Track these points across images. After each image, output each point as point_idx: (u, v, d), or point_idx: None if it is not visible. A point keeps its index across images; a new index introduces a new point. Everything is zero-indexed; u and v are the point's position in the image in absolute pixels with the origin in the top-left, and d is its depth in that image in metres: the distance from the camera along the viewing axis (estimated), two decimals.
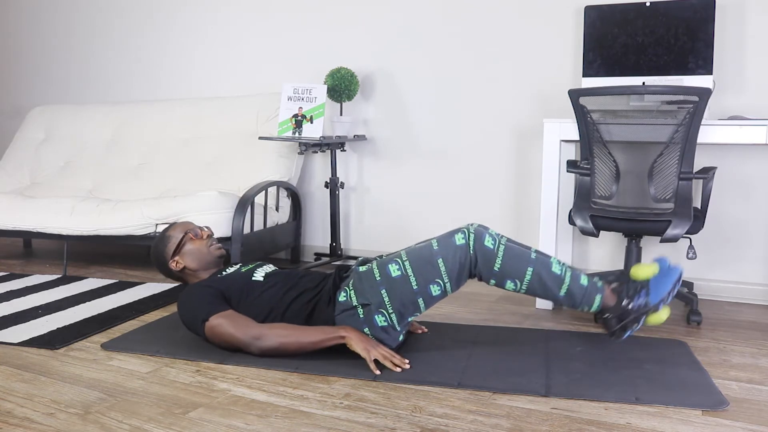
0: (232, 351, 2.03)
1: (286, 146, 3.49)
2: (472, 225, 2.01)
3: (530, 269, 1.93)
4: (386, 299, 1.96)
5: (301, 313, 2.05)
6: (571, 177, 3.02)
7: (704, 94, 2.31)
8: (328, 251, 3.64)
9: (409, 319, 2.02)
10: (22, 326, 2.35)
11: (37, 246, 4.17)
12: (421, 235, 3.49)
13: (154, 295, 2.83)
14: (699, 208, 2.57)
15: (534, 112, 3.21)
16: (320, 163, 3.73)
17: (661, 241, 2.45)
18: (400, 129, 3.51)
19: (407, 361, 1.94)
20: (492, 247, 1.94)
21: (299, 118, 3.20)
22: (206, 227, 2.33)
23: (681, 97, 2.42)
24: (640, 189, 2.67)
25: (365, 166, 3.61)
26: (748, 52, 2.82)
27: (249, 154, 3.56)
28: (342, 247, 3.65)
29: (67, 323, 2.39)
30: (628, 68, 2.79)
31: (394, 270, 1.97)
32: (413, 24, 3.43)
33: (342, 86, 3.31)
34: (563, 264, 1.98)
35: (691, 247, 2.63)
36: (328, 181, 3.44)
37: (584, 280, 1.95)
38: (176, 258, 2.23)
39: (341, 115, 3.44)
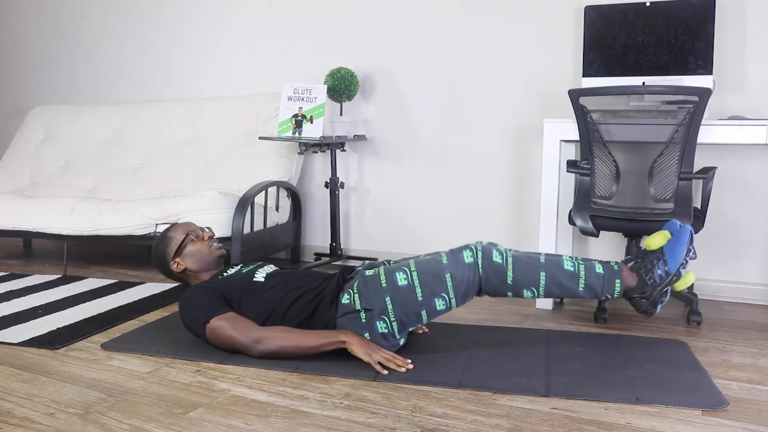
0: (233, 352, 2.03)
1: (286, 146, 3.49)
2: (480, 243, 2.01)
3: (543, 273, 1.93)
4: (389, 307, 1.96)
5: (302, 314, 2.05)
6: (571, 177, 3.02)
7: (704, 94, 2.31)
8: (328, 251, 3.64)
9: (410, 329, 2.02)
10: (22, 326, 2.35)
11: (37, 246, 4.17)
12: (420, 235, 3.49)
13: (154, 295, 2.83)
14: (699, 208, 2.57)
15: (534, 112, 3.21)
16: (320, 163, 3.73)
17: None
18: (400, 129, 3.51)
19: (409, 361, 1.94)
20: (501, 261, 1.94)
21: (299, 118, 3.20)
22: (207, 228, 2.33)
23: (681, 97, 2.42)
24: (640, 189, 2.67)
25: (365, 166, 3.61)
26: (748, 52, 2.82)
27: (249, 154, 3.56)
28: (342, 247, 3.65)
29: (67, 323, 2.39)
30: (628, 68, 2.79)
31: (400, 279, 1.96)
32: (413, 24, 3.43)
33: (342, 86, 3.31)
34: (575, 259, 1.97)
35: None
36: (328, 181, 3.44)
37: (599, 268, 1.94)
38: (177, 259, 2.23)
39: (341, 115, 3.44)
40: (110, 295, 2.83)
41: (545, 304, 2.71)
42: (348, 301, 2.00)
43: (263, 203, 3.28)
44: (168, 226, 2.33)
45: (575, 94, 2.47)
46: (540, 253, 2.00)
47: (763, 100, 2.81)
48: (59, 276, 3.20)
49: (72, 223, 3.21)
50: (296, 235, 3.62)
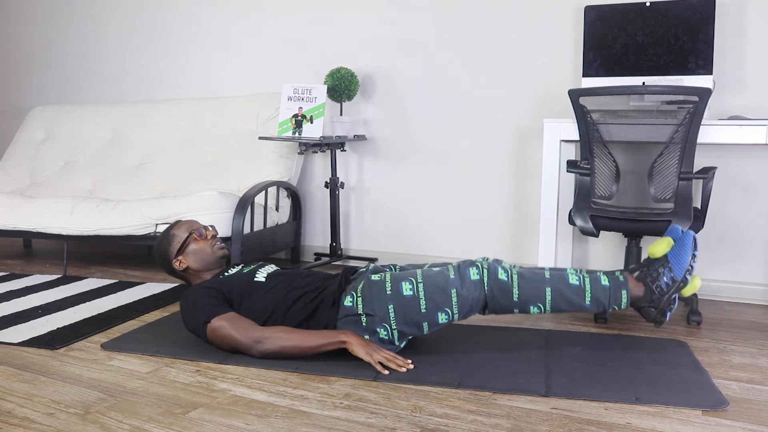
0: (233, 352, 2.03)
1: (286, 146, 3.49)
2: (486, 260, 2.01)
3: (549, 289, 1.93)
4: (392, 315, 1.96)
5: (302, 314, 2.05)
6: (571, 177, 3.02)
7: (704, 94, 2.31)
8: (328, 251, 3.64)
9: (410, 337, 2.02)
10: (22, 326, 2.35)
11: (37, 246, 4.17)
12: (420, 235, 3.49)
13: (154, 295, 2.83)
14: (699, 208, 2.57)
15: (534, 112, 3.21)
16: (320, 163, 3.73)
17: None
18: (400, 129, 3.51)
19: (410, 361, 1.94)
20: (506, 278, 1.94)
21: (299, 118, 3.20)
22: (211, 226, 2.32)
23: (681, 97, 2.42)
24: (640, 189, 2.67)
25: (365, 166, 3.61)
26: (748, 52, 2.82)
27: (249, 154, 3.56)
28: (342, 247, 3.65)
29: (67, 323, 2.39)
30: (628, 68, 2.79)
31: (406, 288, 1.96)
32: (413, 24, 3.43)
33: (342, 86, 3.31)
34: (580, 272, 1.97)
35: None
36: (328, 181, 3.44)
37: (605, 280, 1.94)
38: (180, 257, 2.23)
39: (341, 115, 3.44)
40: (110, 295, 2.83)
41: None
42: (350, 304, 2.00)
43: (263, 203, 3.28)
44: (172, 223, 2.32)
45: (575, 94, 2.47)
46: (544, 269, 2.00)
47: (763, 100, 2.81)
48: (59, 276, 3.20)
49: (72, 223, 3.21)
50: (296, 235, 3.62)
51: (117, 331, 2.33)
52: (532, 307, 1.94)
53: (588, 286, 1.93)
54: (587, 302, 1.92)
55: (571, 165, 2.65)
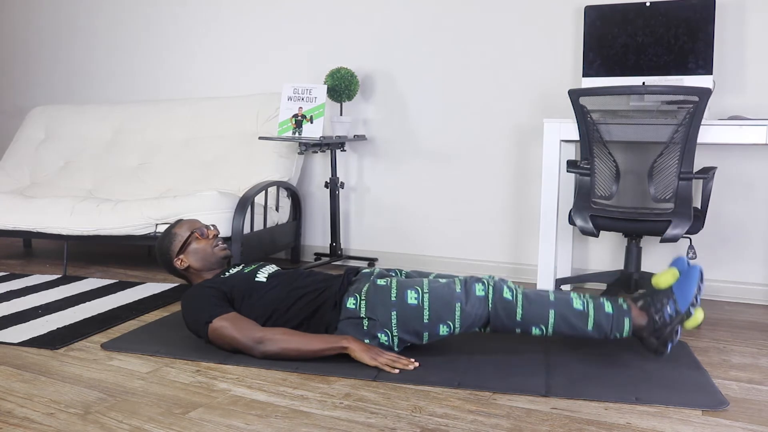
0: (234, 353, 2.03)
1: (286, 146, 3.49)
2: (492, 278, 2.01)
3: (552, 311, 1.93)
4: (394, 321, 1.96)
5: (302, 313, 2.05)
6: (571, 177, 3.02)
7: (704, 94, 2.31)
8: (328, 251, 3.64)
9: (408, 344, 2.03)
10: (22, 326, 2.35)
11: (37, 246, 4.17)
12: (420, 235, 3.49)
13: (154, 295, 2.83)
14: (699, 208, 2.57)
15: (534, 112, 3.21)
16: (320, 163, 3.73)
17: (661, 241, 2.45)
18: (400, 129, 3.51)
19: (413, 359, 1.94)
20: (511, 297, 1.94)
21: (299, 118, 3.20)
22: (212, 226, 2.32)
23: (681, 97, 2.42)
24: (640, 189, 2.67)
25: (365, 166, 3.61)
26: (748, 52, 2.82)
27: (249, 154, 3.56)
28: (342, 247, 3.65)
29: (67, 323, 2.39)
30: (628, 68, 2.79)
31: (411, 297, 1.96)
32: (413, 24, 3.43)
33: (342, 86, 3.31)
34: (584, 297, 1.97)
35: (691, 247, 2.63)
36: (328, 181, 3.44)
37: (609, 308, 1.93)
38: (181, 256, 2.23)
39: (341, 115, 3.44)
40: (110, 295, 2.83)
41: None
42: (353, 306, 2.00)
43: (263, 203, 3.28)
44: (174, 221, 2.32)
45: (575, 94, 2.47)
46: (549, 291, 2.00)
47: (763, 100, 2.81)
48: (59, 276, 3.20)
49: (72, 223, 3.21)
50: (296, 235, 3.62)
51: (117, 331, 2.33)
52: (534, 328, 1.95)
53: (591, 312, 1.93)
54: (590, 328, 1.92)
55: (571, 165, 2.65)
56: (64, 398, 1.74)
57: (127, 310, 2.59)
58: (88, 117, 4.12)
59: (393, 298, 1.97)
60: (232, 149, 3.64)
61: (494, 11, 3.25)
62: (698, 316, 1.89)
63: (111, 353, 2.10)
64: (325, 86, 3.22)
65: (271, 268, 2.24)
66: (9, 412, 1.64)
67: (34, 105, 4.67)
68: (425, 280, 2.02)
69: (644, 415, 1.64)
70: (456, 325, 1.96)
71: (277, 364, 1.95)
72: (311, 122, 3.19)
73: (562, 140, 2.70)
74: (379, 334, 1.97)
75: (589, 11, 2.84)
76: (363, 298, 1.99)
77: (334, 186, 3.44)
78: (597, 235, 2.59)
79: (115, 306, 2.64)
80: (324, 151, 3.46)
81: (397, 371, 1.88)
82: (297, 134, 3.19)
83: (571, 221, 2.63)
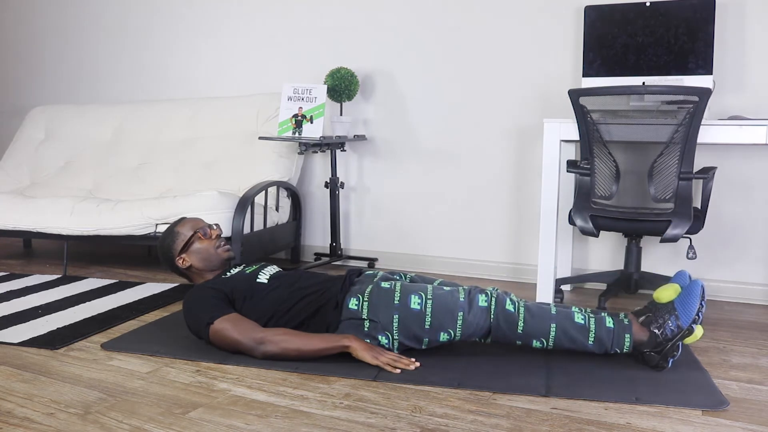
0: (235, 353, 2.03)
1: (286, 146, 3.50)
2: (495, 289, 2.02)
3: (554, 325, 1.93)
4: (395, 325, 1.96)
5: (303, 314, 2.05)
6: (571, 177, 3.02)
7: (704, 94, 2.31)
8: (328, 251, 3.64)
9: (407, 348, 2.03)
10: (22, 326, 2.35)
11: (37, 246, 4.17)
12: (420, 235, 3.49)
13: (154, 295, 2.83)
14: (699, 208, 2.57)
15: (534, 112, 3.21)
16: (320, 163, 3.73)
17: (661, 241, 2.45)
18: (400, 129, 3.51)
19: (413, 359, 1.95)
20: (513, 310, 1.95)
21: (299, 118, 3.20)
22: (215, 225, 2.31)
23: (681, 97, 2.42)
24: (640, 189, 2.67)
25: (365, 166, 3.61)
26: (748, 52, 2.82)
27: (249, 154, 3.56)
28: (342, 247, 3.65)
29: (67, 323, 2.39)
30: (628, 68, 2.79)
31: (414, 302, 1.97)
32: (413, 24, 3.43)
33: (342, 86, 3.31)
34: (585, 311, 1.98)
35: (691, 247, 2.63)
36: (328, 181, 3.44)
37: (610, 322, 1.94)
38: (183, 255, 2.22)
39: (341, 115, 3.44)
40: (110, 295, 2.83)
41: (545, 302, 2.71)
42: (356, 307, 2.00)
43: (263, 203, 3.28)
44: (176, 220, 2.31)
45: (575, 94, 2.47)
46: (550, 304, 2.01)
47: (763, 100, 2.81)
48: (59, 276, 3.20)
49: (72, 223, 3.21)
50: (296, 235, 3.62)
51: (117, 331, 2.33)
52: (535, 341, 1.96)
53: (592, 326, 1.93)
54: (590, 342, 1.93)
55: (571, 165, 2.65)
56: (64, 398, 1.74)
57: (127, 310, 2.59)
58: (88, 117, 4.12)
59: (396, 302, 1.97)
60: (232, 149, 3.64)
61: (494, 11, 3.25)
62: (698, 333, 1.90)
63: (111, 353, 2.10)
64: (325, 86, 3.22)
65: (273, 269, 2.24)
66: (9, 412, 1.64)
67: (34, 105, 4.67)
68: (429, 287, 2.02)
69: (644, 415, 1.64)
70: (456, 334, 1.96)
71: (277, 364, 1.95)
72: (311, 122, 3.19)
73: (562, 140, 2.70)
74: (379, 336, 1.97)
75: (589, 11, 2.84)
76: (366, 299, 2.00)
77: (334, 186, 3.44)
78: (597, 235, 2.60)
79: (115, 306, 2.64)
80: (324, 151, 3.46)
81: (398, 371, 1.88)
82: (297, 134, 3.19)
83: (571, 221, 2.63)
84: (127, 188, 3.71)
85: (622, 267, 3.06)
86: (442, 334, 1.97)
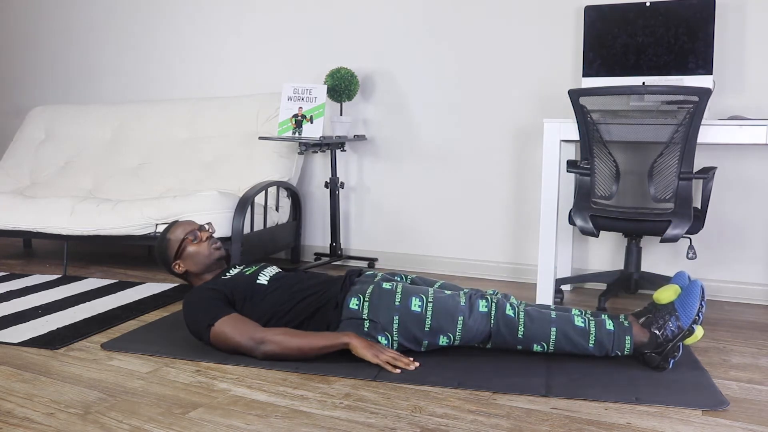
0: (235, 354, 2.02)
1: (286, 146, 3.50)
2: (495, 293, 2.02)
3: (554, 329, 1.94)
4: (395, 326, 1.96)
5: (303, 314, 2.05)
6: (571, 177, 3.02)
7: (704, 94, 2.31)
8: (328, 251, 3.64)
9: (405, 350, 2.03)
10: (22, 326, 2.35)
11: (37, 246, 4.17)
12: (420, 236, 3.49)
13: (154, 295, 2.83)
14: (699, 208, 2.57)
15: (534, 112, 3.21)
16: (320, 163, 3.73)
17: (661, 241, 2.45)
18: (400, 129, 3.51)
19: (412, 359, 1.95)
20: (513, 315, 1.95)
21: (299, 118, 3.20)
22: (207, 224, 2.31)
23: (681, 97, 2.42)
24: (640, 189, 2.67)
25: (365, 166, 3.61)
26: (748, 52, 2.82)
27: (249, 154, 3.56)
28: (342, 247, 3.65)
29: (67, 323, 2.39)
30: (628, 68, 2.79)
31: (415, 304, 1.97)
32: (413, 24, 3.43)
33: (342, 86, 3.31)
34: (585, 314, 1.98)
35: (691, 247, 2.63)
36: (328, 181, 3.44)
37: (610, 325, 1.94)
38: (178, 261, 2.23)
39: (341, 115, 3.44)
40: (110, 295, 2.83)
41: (545, 302, 2.70)
42: (356, 307, 2.00)
43: (263, 203, 3.28)
44: (168, 225, 2.31)
45: (575, 94, 2.47)
46: (550, 307, 2.01)
47: (763, 100, 2.81)
48: (59, 276, 3.20)
49: (72, 223, 3.21)
50: (296, 235, 3.62)
51: (117, 331, 2.33)
52: (535, 345, 1.96)
53: (593, 329, 1.93)
54: (591, 345, 1.93)
55: (571, 165, 2.65)
56: (64, 398, 1.74)
57: (127, 310, 2.59)
58: (88, 117, 4.12)
59: (397, 303, 1.97)
60: (232, 149, 3.64)
61: (494, 11, 3.25)
62: (698, 333, 1.90)
63: (111, 353, 2.10)
64: (325, 86, 3.22)
65: (273, 270, 2.23)
66: (9, 412, 1.64)
67: (34, 105, 4.67)
68: (430, 290, 2.03)
69: (644, 415, 1.64)
70: (456, 338, 1.97)
71: (277, 364, 1.95)
72: (311, 122, 3.19)
73: (562, 140, 2.70)
74: (379, 337, 1.97)
75: (589, 11, 2.84)
76: (366, 299, 2.00)
77: (334, 186, 3.44)
78: (597, 235, 2.60)
79: (115, 306, 2.64)
80: (324, 151, 3.46)
81: (398, 371, 1.88)
82: (297, 134, 3.19)
83: (571, 221, 2.63)
84: (127, 188, 3.71)
85: (622, 267, 3.06)
86: (441, 337, 1.97)
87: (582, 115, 2.50)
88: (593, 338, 1.93)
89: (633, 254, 2.73)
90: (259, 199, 3.29)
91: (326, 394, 1.76)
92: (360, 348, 1.92)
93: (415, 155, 3.48)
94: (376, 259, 3.57)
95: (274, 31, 3.80)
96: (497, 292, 2.05)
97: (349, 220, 3.67)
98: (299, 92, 3.21)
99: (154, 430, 1.55)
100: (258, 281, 2.14)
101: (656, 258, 3.01)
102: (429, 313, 1.96)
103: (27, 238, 3.77)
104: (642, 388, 1.79)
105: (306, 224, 3.77)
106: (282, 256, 3.81)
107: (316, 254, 3.65)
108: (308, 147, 3.29)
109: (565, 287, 3.07)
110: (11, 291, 2.89)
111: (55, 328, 2.33)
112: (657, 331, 1.89)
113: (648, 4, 2.75)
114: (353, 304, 2.00)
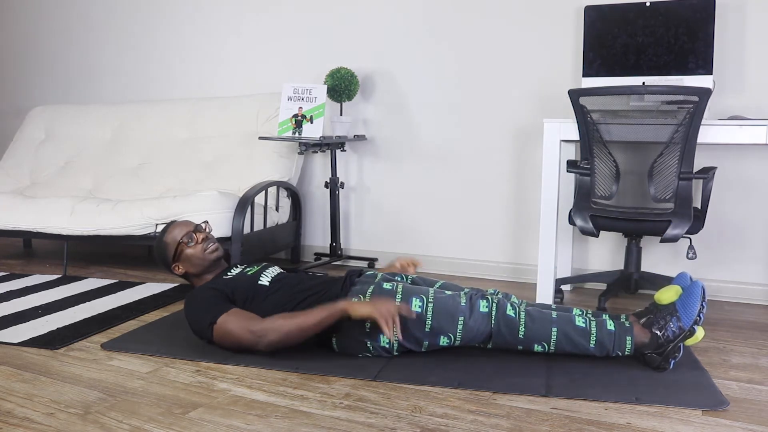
0: (239, 352, 2.02)
1: (286, 146, 3.49)
2: (496, 293, 2.02)
3: (555, 329, 1.94)
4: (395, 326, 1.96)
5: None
6: (571, 177, 3.02)
7: (704, 94, 2.31)
8: (328, 251, 3.64)
9: (406, 350, 2.03)
10: (22, 326, 2.35)
11: (37, 246, 4.17)
12: (420, 236, 3.49)
13: (154, 295, 2.83)
14: (699, 208, 2.57)
15: (534, 112, 3.21)
16: (320, 163, 3.73)
17: (661, 241, 2.45)
18: (400, 129, 3.51)
19: (412, 310, 1.94)
20: (513, 315, 1.95)
21: (299, 118, 3.20)
22: (203, 223, 2.30)
23: (681, 97, 2.42)
24: (640, 189, 2.67)
25: (365, 166, 3.61)
26: (748, 52, 2.82)
27: (249, 154, 3.56)
28: (342, 247, 3.65)
29: (67, 323, 2.39)
30: (628, 68, 2.79)
31: (415, 305, 1.97)
32: (413, 24, 3.43)
33: (342, 86, 3.31)
34: (586, 314, 1.98)
35: (691, 247, 2.63)
36: (328, 181, 3.44)
37: (611, 325, 1.94)
38: (177, 264, 2.23)
39: (341, 115, 3.44)
40: (110, 295, 2.83)
41: (545, 302, 2.70)
42: None
43: (263, 203, 3.28)
44: (165, 226, 2.31)
45: (575, 94, 2.47)
46: (551, 307, 2.01)
47: (763, 100, 2.81)
48: (59, 276, 3.20)
49: (72, 223, 3.21)
50: (296, 235, 3.62)
51: (117, 331, 2.33)
52: (536, 346, 1.96)
53: (594, 330, 1.93)
54: (591, 345, 1.93)
55: (571, 165, 2.65)
56: (64, 398, 1.74)
57: (127, 310, 2.59)
58: (88, 117, 4.12)
59: (397, 303, 1.97)
60: (232, 149, 3.64)
61: (494, 11, 3.25)
62: (699, 334, 1.90)
63: (111, 353, 2.10)
64: (325, 86, 3.22)
65: (275, 271, 2.23)
66: (9, 412, 1.64)
67: (34, 105, 4.67)
68: (431, 290, 2.02)
69: (644, 415, 1.64)
70: (456, 338, 1.97)
71: (277, 364, 1.95)
72: (311, 122, 3.19)
73: (562, 140, 2.70)
74: (380, 336, 1.97)
75: (589, 11, 2.84)
76: (367, 299, 1.99)
77: (334, 186, 3.44)
78: (597, 235, 2.60)
79: (115, 306, 2.64)
80: (324, 151, 3.46)
81: (400, 337, 1.91)
82: (297, 134, 3.19)
83: (571, 221, 2.63)
84: (127, 188, 3.71)
85: (622, 267, 3.06)
86: (442, 337, 1.97)
87: (582, 115, 2.50)
88: (594, 338, 1.93)
89: (633, 254, 2.73)
90: (259, 199, 3.29)
91: (326, 394, 1.76)
92: (358, 308, 1.89)
93: (415, 155, 3.48)
94: (376, 259, 3.57)
95: (274, 31, 3.80)
96: (498, 292, 2.05)
97: (349, 220, 3.67)
98: (299, 92, 3.21)
99: (154, 430, 1.55)
100: (260, 282, 2.14)
101: (656, 258, 3.01)
102: (429, 313, 1.96)
103: (27, 238, 3.77)
104: (642, 388, 1.79)
105: (306, 224, 3.77)
106: (282, 256, 3.81)
107: (316, 254, 3.65)
108: (308, 147, 3.29)
109: (565, 287, 3.07)
110: (11, 291, 2.89)
111: (55, 328, 2.33)
112: (658, 332, 1.89)
113: (648, 4, 2.75)
114: None
